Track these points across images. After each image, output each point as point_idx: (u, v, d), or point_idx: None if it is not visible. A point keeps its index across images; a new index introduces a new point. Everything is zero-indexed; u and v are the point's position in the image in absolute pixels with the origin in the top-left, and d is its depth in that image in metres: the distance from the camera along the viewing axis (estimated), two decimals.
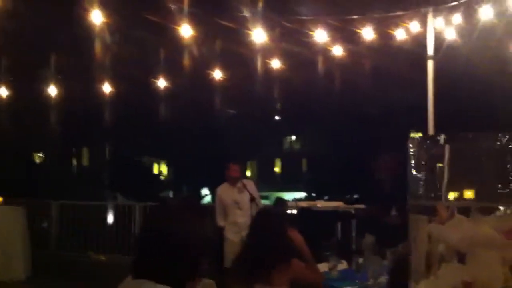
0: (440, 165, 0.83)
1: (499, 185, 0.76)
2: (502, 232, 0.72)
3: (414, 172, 0.82)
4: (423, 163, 0.81)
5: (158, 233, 1.74)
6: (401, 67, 8.39)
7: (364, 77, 9.53)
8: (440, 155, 0.83)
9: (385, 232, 5.56)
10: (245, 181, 6.74)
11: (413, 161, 0.82)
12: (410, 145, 0.83)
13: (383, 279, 3.68)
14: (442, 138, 0.83)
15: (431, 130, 5.67)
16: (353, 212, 7.37)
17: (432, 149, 0.82)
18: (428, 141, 0.82)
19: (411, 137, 0.84)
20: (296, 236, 3.82)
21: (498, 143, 0.78)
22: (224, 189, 6.67)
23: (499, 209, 0.75)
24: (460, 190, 0.80)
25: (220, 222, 6.53)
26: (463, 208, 0.76)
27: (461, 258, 0.74)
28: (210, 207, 7.53)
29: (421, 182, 0.81)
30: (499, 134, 0.77)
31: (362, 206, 7.08)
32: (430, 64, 5.46)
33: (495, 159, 0.77)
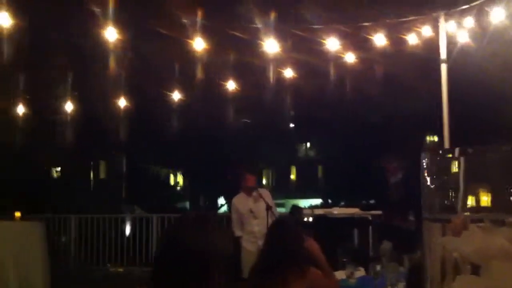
0: (455, 174, 0.84)
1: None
2: None
3: (428, 183, 0.82)
4: (435, 175, 0.82)
5: (176, 247, 1.75)
6: (414, 72, 8.37)
7: (376, 83, 9.51)
8: (455, 167, 0.84)
9: (403, 238, 5.54)
10: (260, 190, 6.76)
11: (426, 172, 0.83)
12: (424, 156, 0.84)
13: (401, 286, 3.66)
14: (456, 151, 0.83)
15: (446, 134, 5.64)
16: (369, 218, 7.33)
17: (446, 160, 0.83)
18: (442, 153, 0.83)
19: (425, 148, 0.85)
20: (312, 244, 3.82)
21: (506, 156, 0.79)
22: (240, 199, 6.70)
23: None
24: (475, 200, 0.81)
25: (237, 232, 6.56)
26: (478, 219, 0.77)
27: (475, 268, 0.75)
28: (226, 216, 7.56)
29: (436, 194, 0.82)
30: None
31: (379, 212, 7.04)
32: (443, 68, 5.44)
33: (506, 171, 0.78)
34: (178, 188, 31.70)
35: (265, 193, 6.66)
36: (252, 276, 3.66)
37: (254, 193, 6.56)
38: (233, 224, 6.65)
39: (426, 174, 0.85)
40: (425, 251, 0.82)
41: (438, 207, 0.83)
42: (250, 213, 6.53)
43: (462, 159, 0.84)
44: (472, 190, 0.83)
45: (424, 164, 0.85)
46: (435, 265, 0.80)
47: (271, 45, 6.31)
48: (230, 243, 1.89)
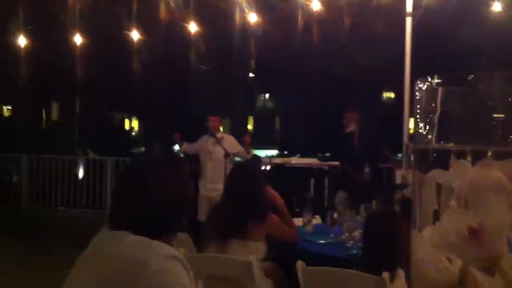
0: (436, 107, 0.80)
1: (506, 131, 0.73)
2: (509, 177, 0.70)
3: (418, 117, 0.78)
4: (428, 108, 0.78)
5: (137, 185, 1.69)
6: (379, 25, 8.34)
7: (340, 34, 9.46)
8: (442, 100, 0.80)
9: (358, 189, 5.63)
10: (225, 135, 6.80)
11: (418, 106, 0.78)
12: (417, 91, 0.79)
13: (357, 233, 3.73)
14: (435, 80, 0.79)
15: (407, 90, 5.68)
16: (326, 169, 7.42)
17: (434, 93, 0.79)
18: (432, 86, 0.79)
19: (417, 82, 0.81)
20: (272, 192, 3.83)
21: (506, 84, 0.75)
22: (203, 139, 6.75)
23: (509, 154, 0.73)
24: (467, 135, 0.77)
25: (187, 147, 6.67)
26: (476, 153, 0.73)
27: (468, 205, 0.72)
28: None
29: (426, 129, 0.78)
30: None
31: (335, 163, 7.13)
32: (408, 21, 5.41)
33: (507, 103, 0.74)
34: (133, 133, 31.30)
35: (228, 139, 6.68)
36: (211, 221, 3.65)
37: (218, 135, 6.60)
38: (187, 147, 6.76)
39: (417, 108, 0.81)
40: (414, 185, 0.79)
41: (427, 140, 0.79)
42: (208, 153, 6.56)
43: (439, 90, 0.80)
44: (452, 122, 0.80)
45: (417, 96, 0.81)
46: (424, 202, 0.77)
47: None
48: (191, 185, 1.84)
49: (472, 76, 0.78)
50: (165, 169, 1.74)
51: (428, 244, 0.73)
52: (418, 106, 0.79)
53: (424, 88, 0.80)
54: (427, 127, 0.79)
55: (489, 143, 0.76)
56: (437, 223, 0.73)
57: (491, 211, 0.70)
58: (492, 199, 0.70)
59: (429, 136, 0.79)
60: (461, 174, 0.73)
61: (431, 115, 0.80)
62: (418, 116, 0.80)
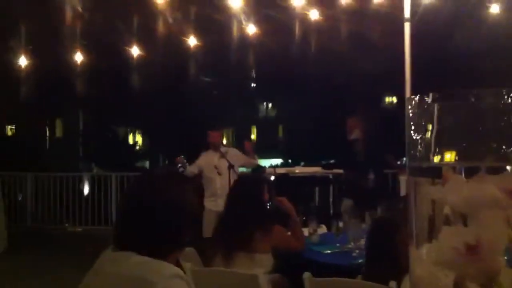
0: (431, 126, 0.80)
1: (503, 145, 0.73)
2: (505, 191, 0.69)
3: (412, 133, 0.78)
4: (422, 123, 0.78)
5: (141, 203, 1.69)
6: (378, 31, 8.36)
7: (339, 42, 9.48)
8: (436, 115, 0.81)
9: (363, 196, 5.63)
10: (229, 149, 6.80)
11: (411, 122, 0.79)
12: (408, 106, 0.79)
13: (363, 241, 3.71)
14: (431, 97, 0.80)
15: (408, 95, 5.67)
16: (330, 177, 7.41)
17: (429, 109, 0.79)
18: (425, 101, 0.79)
19: (408, 98, 0.81)
20: (284, 203, 3.82)
21: (502, 101, 0.75)
22: (206, 155, 6.73)
23: (506, 170, 0.73)
24: (457, 150, 0.77)
25: (192, 169, 6.59)
26: (470, 168, 0.74)
27: (465, 220, 0.72)
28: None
29: (420, 144, 0.78)
30: (503, 91, 0.75)
31: (340, 171, 7.12)
32: (407, 27, 5.42)
33: (499, 118, 0.74)
34: (137, 147, 31.36)
35: (232, 152, 6.67)
36: (217, 235, 3.64)
37: (222, 149, 6.59)
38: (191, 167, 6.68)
39: (411, 123, 0.81)
40: (410, 203, 0.79)
41: (423, 157, 0.79)
42: (214, 169, 6.54)
43: (435, 105, 0.81)
44: (445, 140, 0.80)
45: (410, 112, 0.81)
46: (422, 220, 0.77)
47: (233, 1, 6.17)
48: (196, 201, 1.84)
49: (467, 92, 0.78)
50: (169, 187, 1.74)
51: (426, 261, 0.73)
52: (412, 123, 0.80)
53: (417, 104, 0.80)
54: (422, 144, 0.79)
55: (483, 158, 0.76)
56: (433, 240, 0.73)
57: (487, 227, 0.70)
58: (487, 214, 0.70)
59: (422, 153, 0.79)
60: (456, 189, 0.73)
61: (424, 132, 0.80)
62: (412, 133, 0.81)
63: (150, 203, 1.66)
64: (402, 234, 2.84)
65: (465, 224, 0.71)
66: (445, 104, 0.80)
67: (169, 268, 1.57)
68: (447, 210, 0.73)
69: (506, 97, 0.74)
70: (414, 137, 0.80)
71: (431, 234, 0.74)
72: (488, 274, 0.69)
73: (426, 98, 0.81)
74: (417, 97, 0.80)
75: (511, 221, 0.69)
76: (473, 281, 0.70)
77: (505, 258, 0.71)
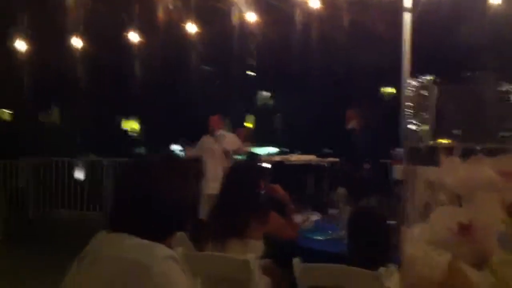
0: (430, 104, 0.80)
1: (501, 129, 0.74)
2: (502, 174, 0.69)
3: (411, 115, 0.78)
4: (422, 105, 0.78)
5: (137, 188, 1.68)
6: (378, 21, 8.33)
7: (339, 31, 9.45)
8: (435, 97, 0.80)
9: (357, 185, 5.64)
10: (225, 134, 6.82)
11: (411, 104, 0.78)
12: (408, 87, 0.79)
13: None
14: (431, 79, 0.80)
15: (406, 86, 5.66)
16: (325, 165, 7.42)
17: (428, 91, 0.79)
18: (425, 83, 0.79)
19: (409, 79, 0.81)
20: (278, 190, 3.83)
21: (500, 86, 0.75)
22: (206, 138, 6.79)
23: (503, 152, 0.73)
24: (456, 132, 0.78)
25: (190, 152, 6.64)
26: (467, 150, 0.74)
27: (460, 202, 0.72)
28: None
29: (418, 126, 0.78)
30: (502, 76, 0.75)
31: (335, 159, 7.14)
32: (407, 17, 5.39)
33: (497, 102, 0.74)
34: (134, 134, 31.27)
35: (229, 137, 6.70)
36: (211, 220, 3.65)
37: (217, 134, 6.62)
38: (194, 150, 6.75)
39: (411, 105, 0.81)
40: (405, 182, 0.79)
41: (421, 138, 0.79)
42: (209, 152, 6.58)
43: (435, 87, 0.80)
44: (445, 120, 0.80)
45: (409, 92, 0.81)
46: (416, 199, 0.77)
47: None
48: (193, 186, 1.84)
49: (467, 75, 0.78)
50: (166, 170, 1.74)
51: (419, 240, 0.73)
52: (411, 104, 0.79)
53: (416, 86, 0.80)
54: (419, 124, 0.79)
55: (481, 141, 0.76)
56: (427, 219, 0.73)
57: (481, 208, 0.70)
58: (482, 196, 0.70)
59: (422, 133, 0.79)
60: (452, 171, 0.73)
61: (423, 112, 0.80)
62: (411, 113, 0.80)
63: (146, 188, 1.66)
64: (383, 222, 2.87)
65: (460, 206, 0.71)
66: (444, 87, 0.80)
67: (164, 250, 1.58)
68: (442, 191, 0.73)
69: (504, 82, 0.74)
70: (413, 119, 0.80)
71: (426, 214, 0.74)
72: (481, 255, 0.69)
73: (425, 81, 0.81)
74: (418, 79, 0.80)
75: (505, 204, 0.69)
76: (465, 261, 0.70)
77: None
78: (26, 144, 15.71)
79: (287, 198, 3.80)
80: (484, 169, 0.71)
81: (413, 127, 0.69)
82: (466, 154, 0.74)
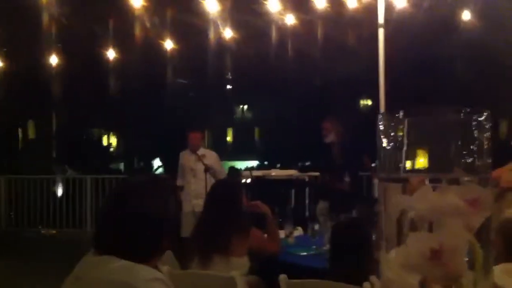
0: (401, 137, 0.87)
1: (463, 157, 0.80)
2: (466, 201, 0.76)
3: (384, 145, 0.85)
4: (391, 135, 0.85)
5: (123, 209, 1.72)
6: (352, 36, 8.49)
7: (315, 46, 9.60)
8: (405, 129, 0.87)
9: (338, 199, 5.71)
10: (206, 151, 6.81)
11: (383, 135, 0.85)
12: (380, 120, 0.86)
13: None
14: (401, 114, 0.87)
15: (382, 98, 5.78)
16: (306, 179, 7.49)
17: (397, 123, 0.86)
18: (394, 117, 0.86)
19: (381, 113, 0.87)
20: (259, 206, 3.87)
21: (462, 116, 0.82)
22: (184, 155, 6.79)
23: (465, 181, 0.80)
24: (419, 160, 0.85)
25: (179, 182, 6.67)
26: (433, 179, 0.80)
27: (430, 227, 0.78)
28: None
29: (390, 155, 0.84)
30: (464, 109, 0.82)
31: (316, 173, 7.20)
32: (380, 32, 5.53)
33: (458, 132, 0.82)
34: (112, 149, 31.06)
35: (209, 155, 6.70)
36: (194, 237, 3.68)
37: (199, 152, 6.61)
38: (178, 174, 6.77)
39: (382, 136, 0.87)
40: (380, 211, 0.85)
41: (393, 167, 0.86)
42: (190, 171, 6.59)
43: (406, 121, 0.87)
44: (414, 152, 0.87)
45: (380, 126, 0.88)
46: (390, 225, 0.83)
47: (210, 4, 6.21)
48: (176, 204, 1.89)
49: (434, 108, 0.85)
50: (151, 193, 1.78)
51: (395, 264, 0.79)
52: (382, 137, 0.86)
53: (388, 119, 0.87)
54: (392, 155, 0.86)
55: (450, 168, 0.82)
56: (401, 245, 0.79)
57: (450, 233, 0.76)
58: (450, 221, 0.77)
59: (392, 163, 0.85)
60: (424, 198, 0.79)
61: (394, 144, 0.86)
62: (382, 147, 0.87)
63: (132, 209, 1.70)
64: (365, 236, 2.92)
65: (431, 230, 0.78)
66: (413, 120, 0.86)
67: (150, 271, 1.62)
68: (414, 216, 0.79)
69: (466, 114, 0.81)
70: (385, 149, 0.87)
71: (400, 239, 0.80)
72: (451, 276, 0.75)
73: (396, 114, 0.87)
74: (388, 113, 0.86)
75: (471, 228, 0.76)
76: (437, 282, 0.76)
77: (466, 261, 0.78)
78: (1, 160, 15.51)
79: (269, 214, 3.85)
80: (450, 197, 0.77)
81: (387, 156, 0.74)
82: (434, 183, 0.80)
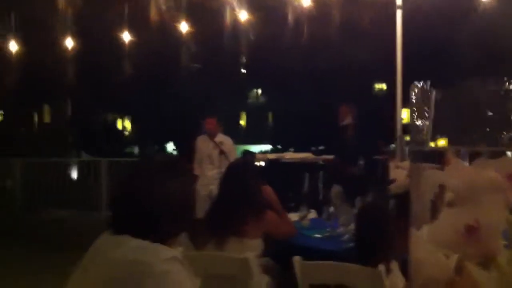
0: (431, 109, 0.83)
1: (503, 131, 0.76)
2: (504, 175, 0.72)
3: (415, 119, 0.81)
4: (425, 109, 0.81)
5: (139, 190, 1.71)
6: (369, 18, 8.37)
7: (331, 29, 9.49)
8: (435, 102, 0.83)
9: (352, 182, 5.66)
10: (224, 137, 6.81)
11: (414, 108, 0.81)
12: (412, 92, 0.82)
13: (353, 226, 3.74)
14: (428, 83, 0.82)
15: (399, 81, 5.71)
16: (321, 162, 7.44)
17: (429, 95, 0.81)
18: (427, 88, 0.81)
19: (413, 84, 0.83)
20: (267, 190, 3.84)
21: (500, 88, 0.78)
22: (202, 140, 6.78)
23: (505, 154, 0.76)
24: (454, 135, 0.80)
25: (196, 171, 6.64)
26: (473, 152, 0.76)
27: (465, 202, 0.74)
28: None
29: (422, 129, 0.80)
30: (503, 79, 0.77)
31: (330, 157, 7.16)
32: (398, 14, 5.45)
33: (499, 105, 0.77)
34: (126, 133, 31.23)
35: (227, 141, 6.72)
36: (209, 220, 3.66)
37: (216, 138, 6.62)
38: (195, 160, 6.75)
39: (414, 109, 0.83)
40: (411, 185, 0.81)
41: (425, 140, 0.82)
42: (208, 157, 6.59)
43: (433, 92, 0.83)
44: (445, 123, 0.83)
45: (413, 98, 0.84)
46: (422, 201, 0.79)
47: None
48: (192, 188, 1.87)
49: (466, 79, 0.81)
50: (165, 172, 1.77)
51: (427, 242, 0.76)
52: (414, 108, 0.82)
53: (418, 90, 0.83)
54: (423, 128, 0.82)
55: (479, 143, 0.78)
56: (434, 221, 0.75)
57: (486, 209, 0.72)
58: (487, 197, 0.73)
59: (425, 137, 0.82)
60: (457, 173, 0.75)
61: (426, 115, 0.82)
62: (414, 116, 0.83)
63: (149, 190, 1.69)
64: (389, 219, 2.90)
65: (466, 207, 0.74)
66: (445, 91, 0.82)
67: (167, 251, 1.61)
68: (448, 193, 0.75)
69: (506, 84, 0.76)
70: (416, 122, 0.83)
71: (433, 216, 0.76)
72: (487, 255, 0.72)
73: (425, 86, 0.83)
74: (421, 83, 0.82)
75: (509, 204, 0.72)
76: (472, 261, 0.72)
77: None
78: (17, 144, 15.64)
79: (277, 203, 3.81)
80: (488, 172, 0.73)
81: (415, 128, 0.71)
82: (470, 157, 0.76)
